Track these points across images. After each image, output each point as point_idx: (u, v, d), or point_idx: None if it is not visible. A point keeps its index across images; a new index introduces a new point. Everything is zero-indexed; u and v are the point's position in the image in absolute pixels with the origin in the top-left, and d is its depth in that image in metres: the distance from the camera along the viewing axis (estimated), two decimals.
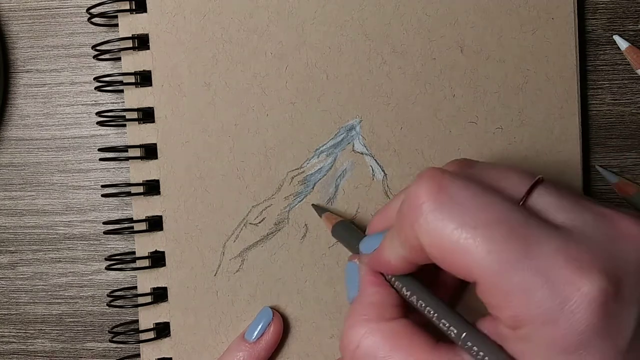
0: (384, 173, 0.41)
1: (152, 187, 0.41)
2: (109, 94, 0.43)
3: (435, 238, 0.26)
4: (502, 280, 0.25)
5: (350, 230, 0.38)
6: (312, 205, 0.41)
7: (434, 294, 0.29)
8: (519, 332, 0.25)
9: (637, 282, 0.26)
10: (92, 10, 0.41)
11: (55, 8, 0.44)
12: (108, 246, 0.44)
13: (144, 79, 0.41)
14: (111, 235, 0.43)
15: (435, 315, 0.28)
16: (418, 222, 0.27)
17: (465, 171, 0.30)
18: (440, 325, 0.28)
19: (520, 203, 0.28)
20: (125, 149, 0.41)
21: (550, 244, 0.25)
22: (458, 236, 0.26)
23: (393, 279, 0.31)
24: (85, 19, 0.42)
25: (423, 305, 0.29)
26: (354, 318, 0.30)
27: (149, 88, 0.41)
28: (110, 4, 0.41)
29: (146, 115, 0.41)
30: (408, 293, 0.30)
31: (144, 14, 0.41)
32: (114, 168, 0.44)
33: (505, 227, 0.26)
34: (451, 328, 0.28)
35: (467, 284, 0.27)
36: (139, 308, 0.41)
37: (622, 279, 0.25)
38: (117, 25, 0.41)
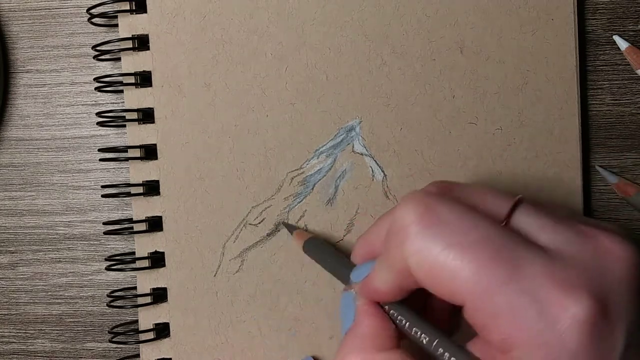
0: (384, 174, 0.41)
1: (152, 188, 0.41)
2: (109, 94, 0.43)
3: (423, 260, 0.26)
4: (489, 302, 0.25)
5: (322, 247, 0.38)
6: (282, 223, 0.41)
7: (427, 321, 0.29)
8: (510, 355, 0.25)
9: (624, 298, 0.26)
10: (92, 11, 0.41)
11: (55, 8, 0.44)
12: (108, 246, 0.44)
13: (144, 79, 0.41)
14: (111, 236, 0.43)
15: (430, 342, 0.28)
16: (405, 244, 0.27)
17: (447, 192, 0.30)
18: (437, 353, 0.28)
19: (503, 224, 0.28)
20: (125, 149, 0.42)
21: (536, 264, 0.25)
22: (445, 257, 0.26)
23: (387, 307, 0.30)
24: (85, 19, 0.42)
25: (418, 333, 0.29)
26: (348, 348, 0.30)
27: (149, 88, 0.41)
28: (110, 4, 0.41)
29: (146, 115, 0.41)
30: (402, 321, 0.30)
31: (144, 15, 0.41)
32: (114, 168, 0.44)
33: (491, 248, 0.26)
34: (446, 354, 0.27)
35: (459, 310, 0.27)
36: (139, 308, 0.41)
37: (608, 296, 0.25)
38: (117, 25, 0.41)
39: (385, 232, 0.29)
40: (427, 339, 0.28)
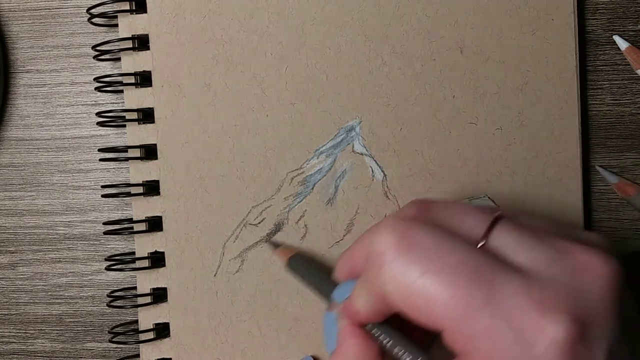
0: (384, 174, 0.41)
1: (152, 188, 0.41)
2: (109, 94, 0.43)
3: (399, 286, 0.26)
4: (466, 326, 0.25)
5: (306, 265, 0.38)
6: (267, 242, 0.41)
7: (409, 340, 0.29)
8: None
9: (604, 316, 0.25)
10: (92, 11, 0.41)
11: (55, 8, 0.44)
12: (108, 246, 0.44)
13: (144, 79, 0.41)
14: (111, 236, 0.43)
15: None
16: (382, 271, 0.27)
17: (424, 214, 0.30)
18: None
19: (480, 245, 0.27)
20: (125, 149, 0.42)
21: (513, 286, 0.25)
22: (422, 283, 0.26)
23: (369, 326, 0.30)
24: (85, 19, 0.42)
25: (401, 352, 0.29)
26: None
27: (149, 88, 0.41)
28: (110, 4, 0.41)
29: (146, 115, 0.41)
30: (386, 340, 0.29)
31: (144, 15, 0.41)
32: (114, 168, 0.44)
33: (467, 272, 0.25)
34: None
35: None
36: (139, 308, 0.41)
37: (588, 317, 0.25)
38: (117, 25, 0.41)
39: (366, 252, 0.29)
40: (409, 358, 0.28)
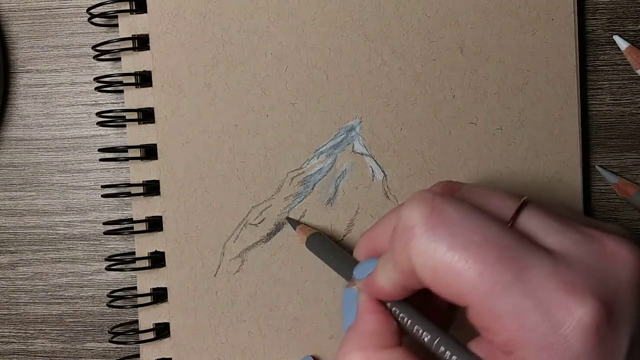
0: (384, 174, 0.41)
1: (152, 188, 0.41)
2: (109, 94, 0.43)
3: (428, 260, 0.26)
4: (494, 303, 0.25)
5: (325, 243, 0.38)
6: (286, 218, 0.41)
7: (430, 320, 0.29)
8: (513, 357, 0.25)
9: (629, 302, 0.26)
10: (92, 11, 0.41)
11: (55, 8, 0.44)
12: (108, 246, 0.44)
13: (144, 79, 0.41)
14: (111, 236, 0.43)
15: (432, 340, 0.28)
16: (411, 245, 0.27)
17: (452, 194, 0.30)
18: (439, 352, 0.28)
19: (509, 225, 0.27)
20: (125, 149, 0.42)
21: (541, 266, 0.25)
22: (450, 258, 0.26)
23: (389, 304, 0.30)
24: (85, 19, 0.42)
25: (420, 331, 0.29)
26: (349, 345, 0.29)
27: (149, 88, 0.41)
28: (110, 4, 0.41)
29: (146, 115, 0.41)
30: (405, 319, 0.29)
31: (144, 15, 0.41)
32: (114, 168, 0.44)
33: (497, 249, 0.26)
34: (447, 353, 0.27)
35: (459, 308, 0.27)
36: (139, 308, 0.41)
37: (613, 300, 0.25)
38: (117, 25, 0.41)
39: (391, 230, 0.29)
40: (428, 337, 0.28)
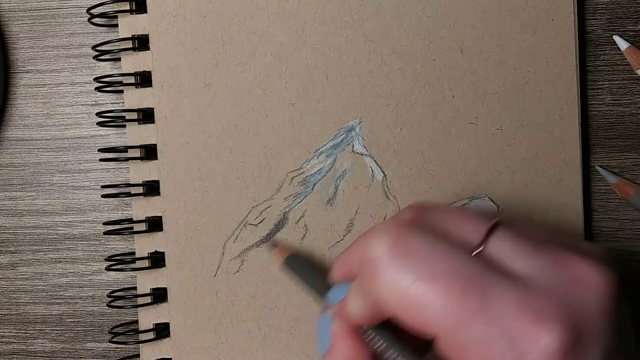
0: (384, 174, 0.41)
1: (152, 188, 0.41)
2: (109, 94, 0.43)
3: (394, 292, 0.26)
4: (460, 334, 0.25)
5: (302, 265, 0.38)
6: (268, 242, 0.41)
7: (404, 344, 0.29)
8: None
9: (599, 327, 0.25)
10: (92, 11, 0.41)
11: (55, 8, 0.44)
12: (108, 246, 0.44)
13: (144, 79, 0.41)
14: (111, 236, 0.43)
15: None
16: (377, 277, 0.27)
17: (421, 219, 0.30)
18: None
19: (478, 251, 0.27)
20: (125, 149, 0.42)
21: (507, 294, 0.25)
22: (415, 290, 0.26)
23: (364, 328, 0.30)
24: (85, 19, 0.42)
25: (395, 355, 0.29)
26: None
27: (149, 89, 0.41)
28: (110, 5, 0.41)
29: (146, 115, 0.41)
30: (380, 343, 0.29)
31: (144, 15, 0.41)
32: (114, 168, 0.44)
33: (461, 279, 0.25)
34: None
35: None
36: (139, 308, 0.41)
37: (582, 325, 0.25)
38: (117, 25, 0.41)
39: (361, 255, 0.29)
40: None
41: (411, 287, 0.26)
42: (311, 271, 0.37)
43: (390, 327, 0.30)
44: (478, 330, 0.25)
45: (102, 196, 0.42)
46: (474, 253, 0.27)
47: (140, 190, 0.41)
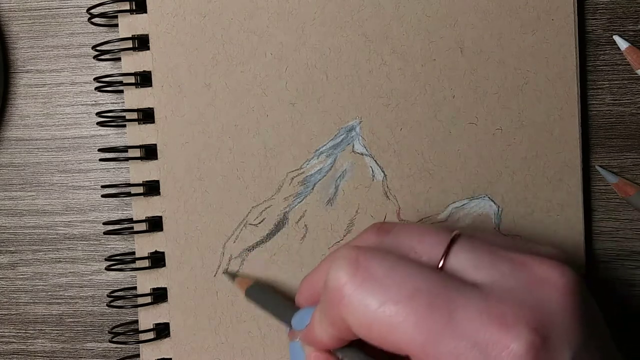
0: (384, 174, 0.41)
1: (152, 188, 0.41)
2: (109, 94, 0.43)
3: (361, 318, 0.26)
4: (432, 351, 0.25)
5: (265, 293, 0.38)
6: (224, 273, 0.41)
7: None
8: None
9: (565, 326, 0.26)
10: (92, 11, 0.41)
11: (55, 8, 0.44)
12: (108, 246, 0.44)
13: (144, 79, 0.41)
14: (111, 236, 0.43)
15: None
16: (342, 304, 0.27)
17: (382, 240, 0.30)
18: None
19: (439, 267, 0.28)
20: (125, 149, 0.42)
21: (471, 305, 0.25)
22: (382, 313, 0.26)
23: (337, 350, 0.30)
24: (85, 19, 0.42)
25: None
26: None
27: (149, 89, 0.41)
28: (110, 4, 0.41)
29: (146, 115, 0.41)
30: None
31: (144, 15, 0.41)
32: (114, 168, 0.44)
33: (426, 297, 0.26)
34: None
35: None
36: (139, 308, 0.41)
37: (549, 326, 0.25)
38: (117, 25, 0.41)
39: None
40: None
41: (378, 311, 0.26)
42: (274, 299, 0.38)
43: (362, 344, 0.30)
44: (448, 345, 0.25)
45: (102, 196, 0.42)
46: (439, 266, 0.27)
47: (140, 190, 0.41)
